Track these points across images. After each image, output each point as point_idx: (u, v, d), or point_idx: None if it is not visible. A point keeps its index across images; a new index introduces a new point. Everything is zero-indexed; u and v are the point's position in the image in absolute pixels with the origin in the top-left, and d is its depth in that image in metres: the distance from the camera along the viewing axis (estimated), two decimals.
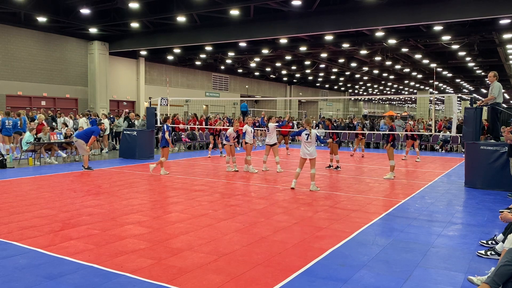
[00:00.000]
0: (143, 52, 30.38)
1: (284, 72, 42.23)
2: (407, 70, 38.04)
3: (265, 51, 28.06)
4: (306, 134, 9.64)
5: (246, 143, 12.95)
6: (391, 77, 43.85)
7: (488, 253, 5.30)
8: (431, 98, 46.19)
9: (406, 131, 18.39)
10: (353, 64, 36.04)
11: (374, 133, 23.17)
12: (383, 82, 49.30)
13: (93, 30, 24.23)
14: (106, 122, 18.29)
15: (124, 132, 16.51)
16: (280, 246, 5.61)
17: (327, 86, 55.79)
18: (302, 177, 11.87)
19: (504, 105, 18.14)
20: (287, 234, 6.20)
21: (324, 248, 5.54)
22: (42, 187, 9.70)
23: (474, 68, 35.34)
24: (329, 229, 6.52)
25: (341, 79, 47.06)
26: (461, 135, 13.39)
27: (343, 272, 4.77)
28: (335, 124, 17.51)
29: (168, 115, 16.32)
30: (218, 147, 17.72)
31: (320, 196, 9.19)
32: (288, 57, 32.51)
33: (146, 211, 7.51)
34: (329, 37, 23.73)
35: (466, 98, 42.30)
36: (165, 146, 11.86)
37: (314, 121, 29.63)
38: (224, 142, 13.05)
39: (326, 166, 14.17)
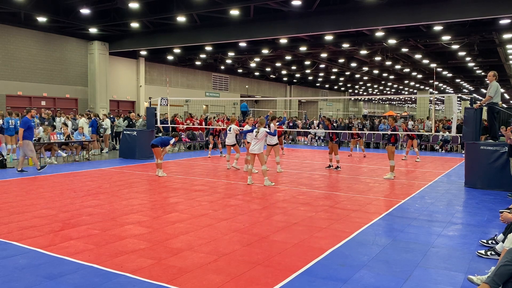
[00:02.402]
0: (143, 52, 30.39)
1: (284, 72, 42.23)
2: (407, 70, 38.04)
3: (265, 51, 28.07)
4: (256, 132, 10.53)
5: (248, 142, 12.96)
6: (391, 77, 43.85)
7: (488, 253, 5.30)
8: (431, 98, 46.18)
9: (403, 129, 18.41)
10: (353, 64, 36.05)
11: (374, 133, 23.17)
12: (383, 82, 49.30)
13: (93, 30, 24.24)
14: (107, 122, 18.32)
15: (124, 132, 16.52)
16: (280, 246, 5.61)
17: (327, 86, 55.79)
18: (302, 177, 11.88)
19: (504, 105, 18.12)
20: (287, 234, 6.20)
21: (324, 248, 5.54)
22: (42, 187, 9.70)
23: (474, 68, 35.34)
24: (329, 229, 6.52)
25: (341, 79, 47.06)
26: (461, 135, 13.39)
27: (343, 272, 4.77)
28: (335, 125, 17.52)
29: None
30: (218, 147, 17.71)
31: (320, 196, 9.20)
32: (288, 57, 32.51)
33: (146, 211, 7.51)
34: (329, 37, 23.74)
35: (466, 98, 42.30)
36: (157, 146, 11.64)
37: (315, 121, 29.71)
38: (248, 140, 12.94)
39: (326, 166, 14.17)
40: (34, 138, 13.64)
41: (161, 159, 11.77)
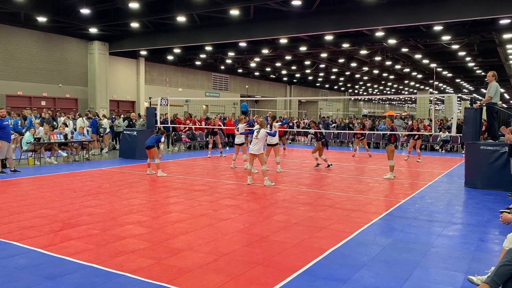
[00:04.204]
0: (143, 52, 30.38)
1: (284, 72, 42.21)
2: (407, 70, 38.03)
3: (265, 51, 28.06)
4: (256, 132, 10.62)
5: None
6: (391, 77, 43.84)
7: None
8: (431, 98, 46.19)
9: (412, 129, 18.37)
10: (353, 64, 36.04)
11: (374, 133, 23.17)
12: (383, 82, 49.28)
13: (93, 30, 24.23)
14: (106, 122, 18.31)
15: (124, 132, 16.52)
16: (280, 246, 5.61)
17: (327, 86, 55.78)
18: (302, 177, 11.88)
19: (504, 105, 18.12)
20: (287, 234, 6.20)
21: (324, 248, 5.54)
22: (42, 187, 9.70)
23: (474, 68, 35.34)
24: (329, 229, 6.52)
25: (341, 79, 47.05)
26: (461, 135, 13.40)
27: (343, 272, 4.77)
28: (320, 126, 17.50)
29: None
30: (218, 147, 17.72)
31: (320, 196, 9.20)
32: (288, 57, 32.50)
33: (146, 211, 7.51)
34: (329, 37, 23.73)
35: (466, 98, 42.31)
36: (153, 146, 11.68)
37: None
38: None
39: (314, 166, 14.11)
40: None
41: (158, 159, 11.80)
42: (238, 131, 13.56)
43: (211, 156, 16.94)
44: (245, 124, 14.09)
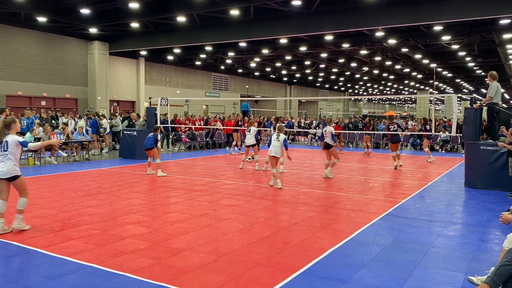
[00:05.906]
0: (143, 52, 30.38)
1: (284, 72, 42.21)
2: (407, 70, 38.03)
3: (265, 51, 28.06)
4: (277, 135, 10.55)
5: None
6: (391, 77, 43.84)
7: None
8: (431, 98, 46.19)
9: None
10: (353, 64, 36.03)
11: (374, 133, 23.17)
12: (383, 82, 49.28)
13: (93, 30, 24.23)
14: (105, 122, 18.29)
15: (124, 132, 16.52)
16: (280, 246, 5.61)
17: (327, 86, 55.78)
18: (302, 177, 11.88)
19: (505, 105, 18.12)
20: (287, 234, 6.20)
21: (324, 248, 5.54)
22: (42, 187, 9.70)
23: (474, 68, 35.34)
24: (329, 229, 6.52)
25: (341, 79, 47.05)
26: (461, 135, 13.40)
27: (343, 272, 4.77)
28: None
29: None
30: (238, 144, 18.18)
31: (320, 196, 9.20)
32: (288, 57, 32.50)
33: (146, 211, 7.51)
34: (329, 37, 23.73)
35: (466, 98, 42.28)
36: (152, 147, 11.72)
37: (314, 121, 29.70)
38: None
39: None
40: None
41: (159, 159, 11.80)
42: (249, 132, 13.60)
43: (234, 154, 17.68)
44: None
